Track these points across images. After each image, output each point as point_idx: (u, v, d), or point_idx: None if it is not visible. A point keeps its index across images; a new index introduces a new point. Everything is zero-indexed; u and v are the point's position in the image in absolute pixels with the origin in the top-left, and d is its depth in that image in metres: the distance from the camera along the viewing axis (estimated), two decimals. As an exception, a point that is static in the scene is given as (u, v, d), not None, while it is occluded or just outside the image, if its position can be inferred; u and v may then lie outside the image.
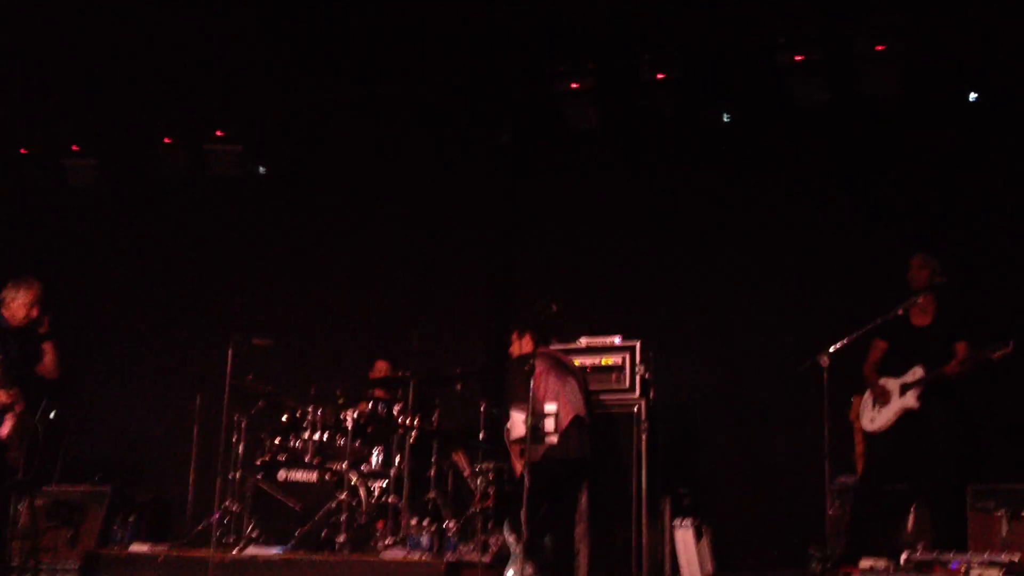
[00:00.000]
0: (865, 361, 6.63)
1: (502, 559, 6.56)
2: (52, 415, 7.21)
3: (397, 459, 7.54)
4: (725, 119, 8.33)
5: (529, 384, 6.09)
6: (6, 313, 6.57)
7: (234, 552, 7.01)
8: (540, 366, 6.35)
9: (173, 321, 9.62)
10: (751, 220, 8.21)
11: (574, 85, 8.41)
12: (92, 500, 7.90)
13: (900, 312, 6.45)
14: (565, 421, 6.30)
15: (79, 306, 9.58)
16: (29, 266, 10.00)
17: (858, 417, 6.69)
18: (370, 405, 7.93)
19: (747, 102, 8.27)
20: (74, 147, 9.73)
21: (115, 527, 7.60)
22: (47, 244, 10.18)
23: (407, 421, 7.46)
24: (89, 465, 8.58)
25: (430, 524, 7.14)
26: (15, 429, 6.31)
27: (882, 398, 6.42)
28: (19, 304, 6.57)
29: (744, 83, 8.16)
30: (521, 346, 6.74)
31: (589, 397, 6.63)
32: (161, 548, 7.30)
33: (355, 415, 7.61)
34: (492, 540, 6.90)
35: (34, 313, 6.60)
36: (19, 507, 7.28)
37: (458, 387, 7.91)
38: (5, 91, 9.04)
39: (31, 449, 6.54)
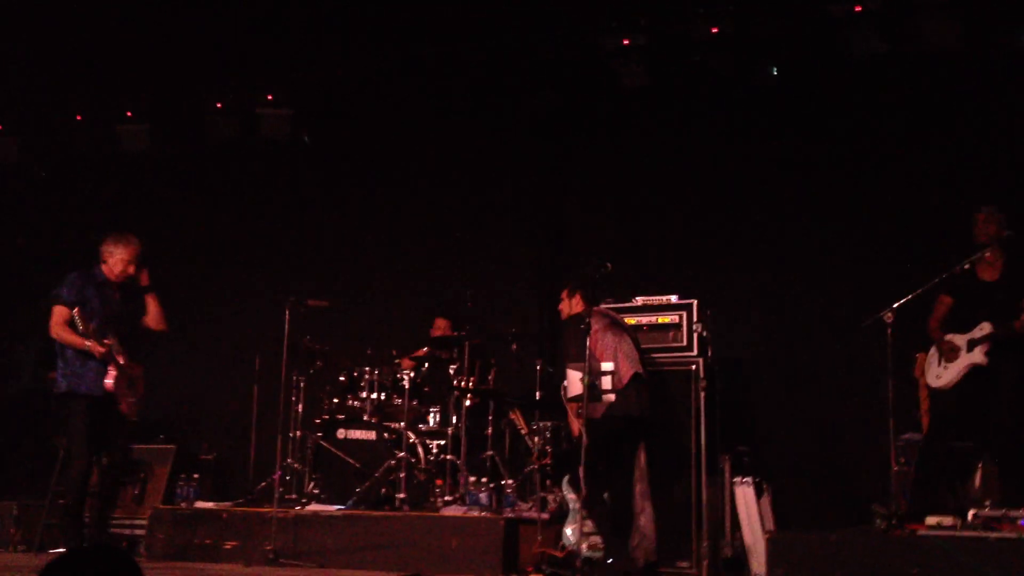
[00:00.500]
0: (930, 317, 6.54)
1: (561, 516, 6.60)
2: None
3: (454, 418, 7.60)
4: (774, 72, 8.19)
5: (585, 343, 6.09)
6: (104, 268, 6.67)
7: (296, 509, 7.12)
8: (596, 324, 6.34)
9: (230, 284, 9.71)
10: (808, 175, 8.09)
11: (625, 42, 8.33)
12: (157, 459, 8.05)
13: (966, 267, 6.34)
14: (625, 379, 6.29)
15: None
16: (85, 232, 10.26)
17: (923, 374, 6.61)
18: (426, 365, 8.00)
19: (802, 56, 8.13)
20: (128, 113, 9.82)
21: (180, 485, 7.73)
22: (102, 210, 10.30)
23: (463, 381, 7.52)
24: (153, 425, 8.72)
25: (488, 482, 7.20)
26: (120, 380, 6.42)
27: (949, 354, 6.34)
28: (116, 259, 6.65)
29: (798, 36, 8.02)
30: (571, 306, 6.72)
31: (643, 355, 6.61)
32: (225, 505, 7.44)
33: (411, 375, 7.67)
34: (550, 497, 6.94)
35: (131, 270, 6.66)
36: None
37: (513, 347, 7.95)
38: (59, 59, 9.13)
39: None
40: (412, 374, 7.68)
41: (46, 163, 10.38)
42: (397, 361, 8.05)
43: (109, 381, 6.39)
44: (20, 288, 10.01)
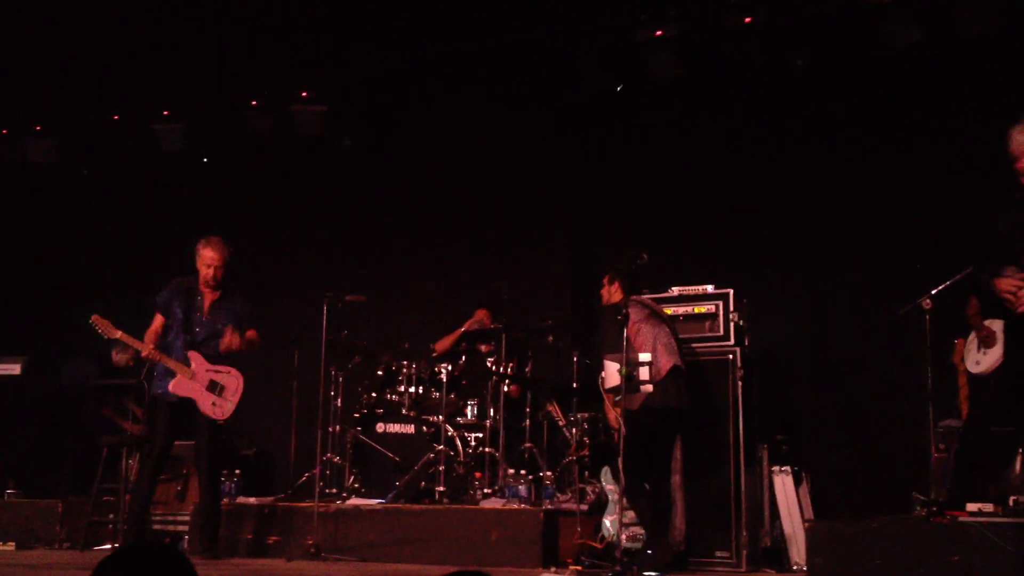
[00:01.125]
0: (968, 303, 6.49)
1: (600, 507, 6.63)
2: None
3: (492, 411, 7.64)
4: (800, 63, 8.13)
5: (623, 333, 6.07)
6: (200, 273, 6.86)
7: (337, 503, 7.19)
8: (634, 315, 6.31)
9: (269, 281, 9.79)
10: (843, 164, 8.05)
11: (657, 33, 8.32)
12: (198, 455, 8.12)
13: (1004, 253, 6.27)
14: (664, 370, 6.27)
15: (179, 268, 9.80)
16: (127, 228, 10.42)
17: (962, 360, 6.57)
18: (463, 358, 8.04)
19: (835, 45, 8.07)
20: (164, 112, 9.94)
21: (221, 480, 7.81)
22: (143, 207, 10.45)
23: (501, 372, 7.55)
24: (194, 422, 8.83)
25: (527, 474, 7.24)
26: (187, 384, 6.65)
27: (988, 340, 6.30)
28: (201, 263, 6.84)
29: (831, 25, 7.96)
30: (611, 293, 6.68)
31: (680, 346, 6.61)
32: (266, 500, 7.53)
33: (449, 369, 7.72)
34: (589, 489, 6.97)
35: (217, 273, 6.82)
36: (129, 462, 7.57)
37: (549, 338, 7.97)
38: (97, 60, 9.24)
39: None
40: (450, 367, 7.73)
41: (85, 164, 10.52)
42: (434, 351, 8.10)
43: (171, 384, 6.62)
44: (66, 287, 10.20)
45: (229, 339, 6.65)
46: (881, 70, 7.98)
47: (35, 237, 10.75)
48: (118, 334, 6.64)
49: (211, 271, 6.77)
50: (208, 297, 6.82)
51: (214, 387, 6.65)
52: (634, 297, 6.57)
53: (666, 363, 6.28)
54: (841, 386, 7.74)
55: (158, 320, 6.80)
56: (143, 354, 6.67)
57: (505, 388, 7.56)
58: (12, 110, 10.05)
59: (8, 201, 10.70)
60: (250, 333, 6.82)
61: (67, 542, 7.58)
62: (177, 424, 6.74)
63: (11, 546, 7.44)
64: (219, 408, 6.66)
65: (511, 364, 7.69)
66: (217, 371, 6.68)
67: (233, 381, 6.71)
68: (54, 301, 10.34)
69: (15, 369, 8.80)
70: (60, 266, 10.60)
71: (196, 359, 6.66)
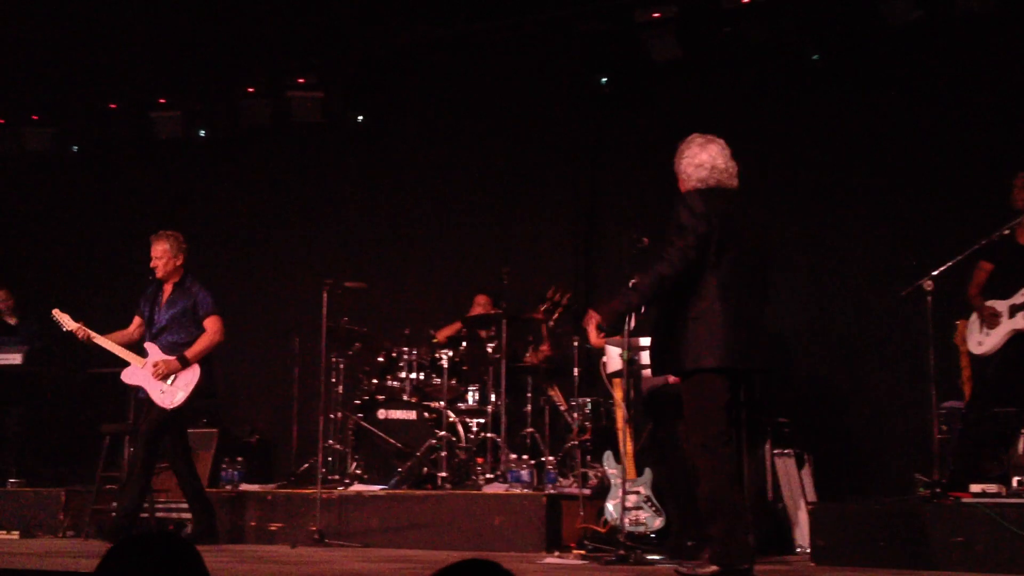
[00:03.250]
0: (970, 284, 6.48)
1: (602, 491, 6.62)
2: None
3: (493, 396, 7.64)
4: (807, 42, 8.10)
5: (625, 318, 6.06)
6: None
7: (339, 489, 7.20)
8: None
9: (268, 269, 9.79)
10: (843, 144, 8.02)
11: (656, 15, 8.28)
12: (201, 443, 8.14)
13: (1005, 232, 6.26)
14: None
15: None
16: (121, 219, 10.38)
17: (964, 341, 6.56)
18: (464, 344, 8.03)
19: (836, 24, 8.04)
20: (161, 100, 9.90)
21: (224, 468, 7.83)
22: (139, 196, 10.41)
23: (501, 357, 7.54)
24: (197, 410, 8.81)
25: (529, 459, 7.24)
26: (138, 373, 6.74)
27: (990, 320, 6.28)
28: (152, 257, 6.87)
29: (833, 4, 7.93)
30: None
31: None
32: (269, 487, 7.54)
33: (449, 354, 7.71)
34: (592, 473, 6.97)
35: (163, 265, 6.85)
36: (131, 451, 7.58)
37: (551, 323, 7.96)
38: (93, 47, 9.20)
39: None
40: (451, 353, 7.72)
41: (80, 151, 10.49)
42: (434, 338, 8.08)
43: (123, 373, 6.74)
44: (66, 277, 10.17)
45: (163, 366, 6.62)
46: (884, 48, 7.94)
47: (32, 225, 10.72)
48: (75, 326, 6.75)
49: (159, 263, 6.84)
50: (165, 291, 6.89)
51: (165, 377, 6.63)
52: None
53: None
54: (843, 368, 7.73)
55: (135, 320, 6.95)
56: (79, 337, 6.75)
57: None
58: (9, 99, 10.02)
59: (5, 190, 10.68)
60: (207, 322, 6.81)
61: (70, 530, 7.59)
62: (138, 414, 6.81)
63: (15, 535, 7.45)
64: (167, 396, 6.61)
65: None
66: (166, 363, 6.66)
67: (188, 373, 6.67)
68: (54, 290, 10.31)
69: (16, 359, 8.79)
70: (57, 255, 10.57)
71: (153, 350, 6.73)
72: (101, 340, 6.79)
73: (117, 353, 6.77)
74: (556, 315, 7.80)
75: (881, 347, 7.59)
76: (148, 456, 6.68)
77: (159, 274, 6.85)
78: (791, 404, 7.30)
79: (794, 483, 6.68)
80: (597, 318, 5.02)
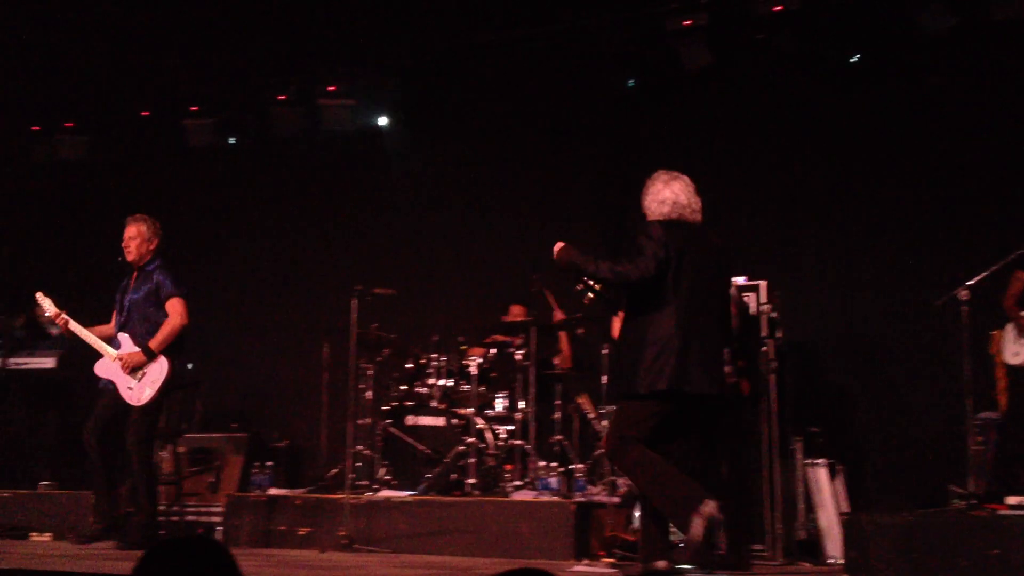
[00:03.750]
0: (1005, 294, 6.41)
1: (631, 499, 6.59)
2: (188, 367, 7.49)
3: (522, 404, 7.62)
4: (840, 49, 8.04)
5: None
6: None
7: (368, 495, 7.20)
8: None
9: (298, 275, 9.83)
10: (877, 152, 7.97)
11: (687, 22, 8.26)
12: (231, 447, 8.18)
13: (1042, 242, 6.20)
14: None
15: (208, 264, 9.89)
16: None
17: (999, 352, 6.48)
18: (492, 351, 8.02)
19: (868, 31, 7.99)
20: (193, 108, 9.97)
21: (253, 472, 7.86)
22: (171, 203, 10.47)
23: (530, 365, 7.53)
24: (226, 415, 8.89)
25: (558, 466, 7.22)
26: (108, 366, 6.62)
27: (1026, 330, 6.22)
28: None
29: (865, 11, 7.88)
30: None
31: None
32: (298, 492, 7.55)
33: (479, 361, 7.70)
34: (621, 481, 6.93)
35: (130, 249, 6.75)
36: (162, 454, 7.62)
37: (580, 331, 7.94)
38: (127, 55, 9.29)
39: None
40: (480, 360, 7.71)
41: (114, 159, 10.58)
42: (464, 348, 8.08)
43: (95, 366, 6.61)
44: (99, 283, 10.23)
45: (128, 359, 6.47)
46: (916, 55, 7.88)
47: (66, 232, 10.82)
48: (55, 311, 6.68)
49: (125, 245, 6.72)
50: (133, 277, 6.75)
51: (134, 371, 6.49)
52: None
53: None
54: (876, 378, 7.66)
55: (114, 313, 6.78)
56: (59, 324, 6.70)
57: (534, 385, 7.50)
58: (44, 107, 10.13)
59: (39, 197, 10.79)
60: (168, 305, 6.60)
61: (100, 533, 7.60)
62: (104, 407, 6.64)
63: (48, 536, 7.50)
64: (134, 393, 6.46)
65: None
66: (133, 355, 6.51)
67: (155, 367, 6.49)
68: (86, 295, 10.40)
69: (50, 363, 8.87)
70: (90, 261, 10.66)
71: (125, 341, 6.57)
72: (79, 330, 6.61)
73: (93, 345, 6.60)
74: (588, 298, 7.78)
75: (915, 357, 7.52)
76: (144, 461, 6.51)
77: (130, 257, 6.67)
78: (823, 414, 7.25)
79: (826, 493, 6.62)
80: (562, 245, 5.33)
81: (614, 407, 7.18)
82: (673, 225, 5.14)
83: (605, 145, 9.13)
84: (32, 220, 10.86)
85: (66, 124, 10.29)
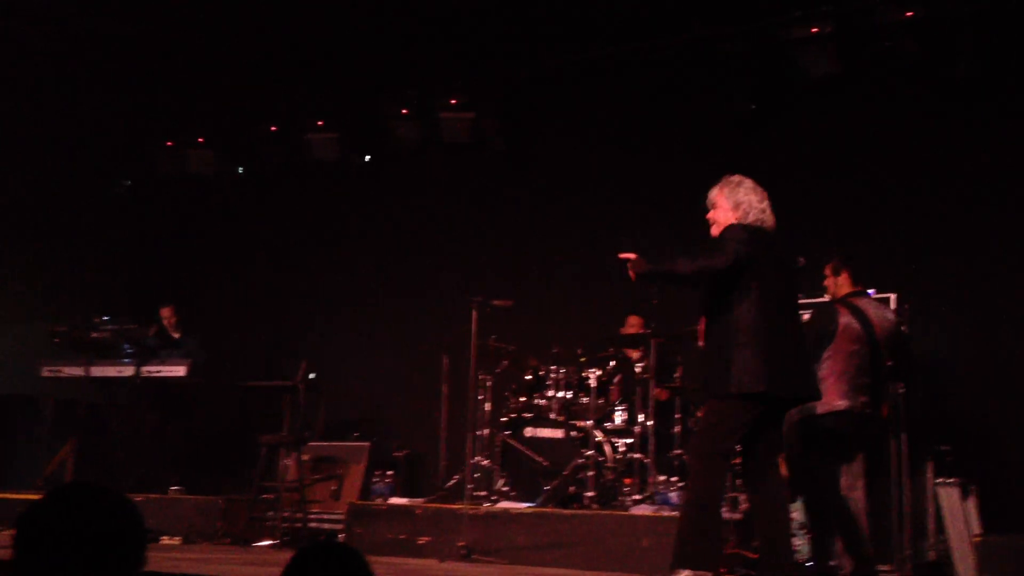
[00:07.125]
0: None
1: (752, 516, 6.47)
2: (311, 376, 7.68)
3: (641, 417, 7.57)
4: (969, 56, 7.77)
5: (828, 331, 5.98)
6: None
7: (486, 505, 7.24)
8: (844, 317, 6.13)
9: (419, 287, 9.97)
10: (1011, 161, 7.68)
11: (812, 30, 8.11)
12: (353, 456, 8.33)
13: None
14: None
15: (332, 275, 10.12)
16: (280, 239, 10.77)
17: None
18: (612, 363, 7.98)
19: (1000, 37, 7.71)
20: (318, 123, 10.22)
21: (374, 481, 7.98)
22: (296, 216, 10.77)
23: (650, 378, 7.47)
24: (349, 424, 9.06)
25: (678, 481, 7.14)
26: None
27: None
28: None
29: (995, 16, 7.61)
30: (836, 285, 6.39)
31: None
32: (418, 501, 7.64)
33: (599, 374, 7.68)
34: (742, 497, 6.81)
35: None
36: (286, 462, 7.81)
37: (700, 343, 7.83)
38: (254, 74, 9.58)
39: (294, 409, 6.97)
40: (599, 372, 7.69)
41: (241, 173, 10.91)
42: (583, 360, 8.07)
43: None
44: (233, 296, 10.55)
45: None
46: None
47: (195, 245, 11.21)
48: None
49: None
50: None
51: None
52: (851, 299, 6.30)
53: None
54: (1011, 393, 7.36)
55: None
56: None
57: (654, 391, 7.47)
58: (175, 123, 10.52)
59: (170, 210, 11.21)
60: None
61: (227, 537, 7.84)
62: None
63: (178, 540, 7.75)
64: None
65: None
66: None
67: None
68: (215, 308, 10.74)
69: (181, 371, 9.17)
70: (218, 274, 11.02)
71: None
72: None
73: None
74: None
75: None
76: None
77: None
78: (955, 432, 7.00)
79: (957, 514, 6.40)
80: (635, 257, 5.33)
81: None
82: (751, 230, 5.11)
83: (720, 157, 9.00)
84: (163, 232, 11.28)
85: (198, 139, 10.65)
